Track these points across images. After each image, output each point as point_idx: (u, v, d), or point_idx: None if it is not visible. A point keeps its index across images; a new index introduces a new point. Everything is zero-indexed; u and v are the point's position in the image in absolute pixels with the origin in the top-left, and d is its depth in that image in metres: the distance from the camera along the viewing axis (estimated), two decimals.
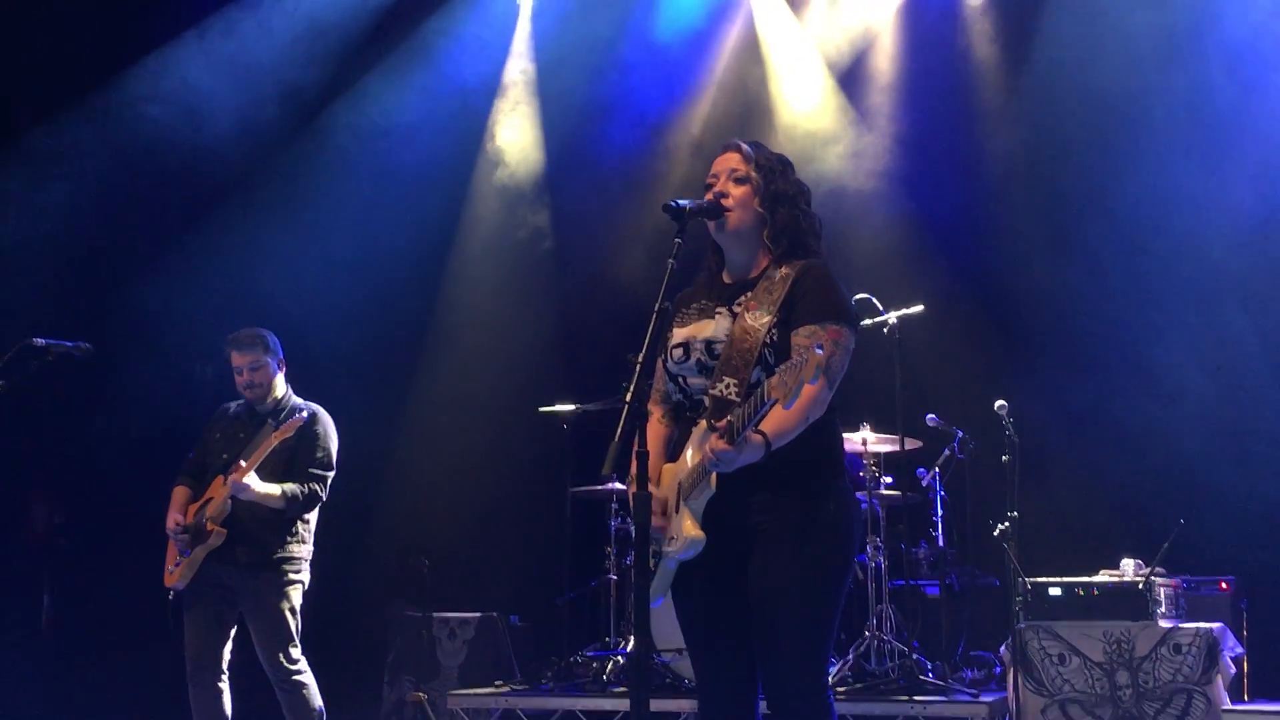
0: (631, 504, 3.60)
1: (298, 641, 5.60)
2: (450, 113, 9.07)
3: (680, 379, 3.77)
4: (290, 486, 5.56)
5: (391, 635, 8.07)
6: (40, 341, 5.40)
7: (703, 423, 3.62)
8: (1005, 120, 8.31)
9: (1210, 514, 6.88)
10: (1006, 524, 6.32)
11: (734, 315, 3.71)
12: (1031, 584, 6.32)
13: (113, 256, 8.48)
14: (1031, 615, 6.28)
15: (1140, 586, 6.13)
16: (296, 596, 5.63)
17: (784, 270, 3.71)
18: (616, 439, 3.38)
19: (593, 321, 8.38)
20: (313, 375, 7.40)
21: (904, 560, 7.25)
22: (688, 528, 3.60)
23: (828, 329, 3.58)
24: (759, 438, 3.44)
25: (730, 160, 3.83)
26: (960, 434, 7.28)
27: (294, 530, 5.65)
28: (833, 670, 6.56)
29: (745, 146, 3.86)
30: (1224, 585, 6.66)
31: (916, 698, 6.22)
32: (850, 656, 6.68)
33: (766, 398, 3.33)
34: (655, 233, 7.94)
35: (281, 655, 5.54)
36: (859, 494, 6.95)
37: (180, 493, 5.74)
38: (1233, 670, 6.00)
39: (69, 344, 5.47)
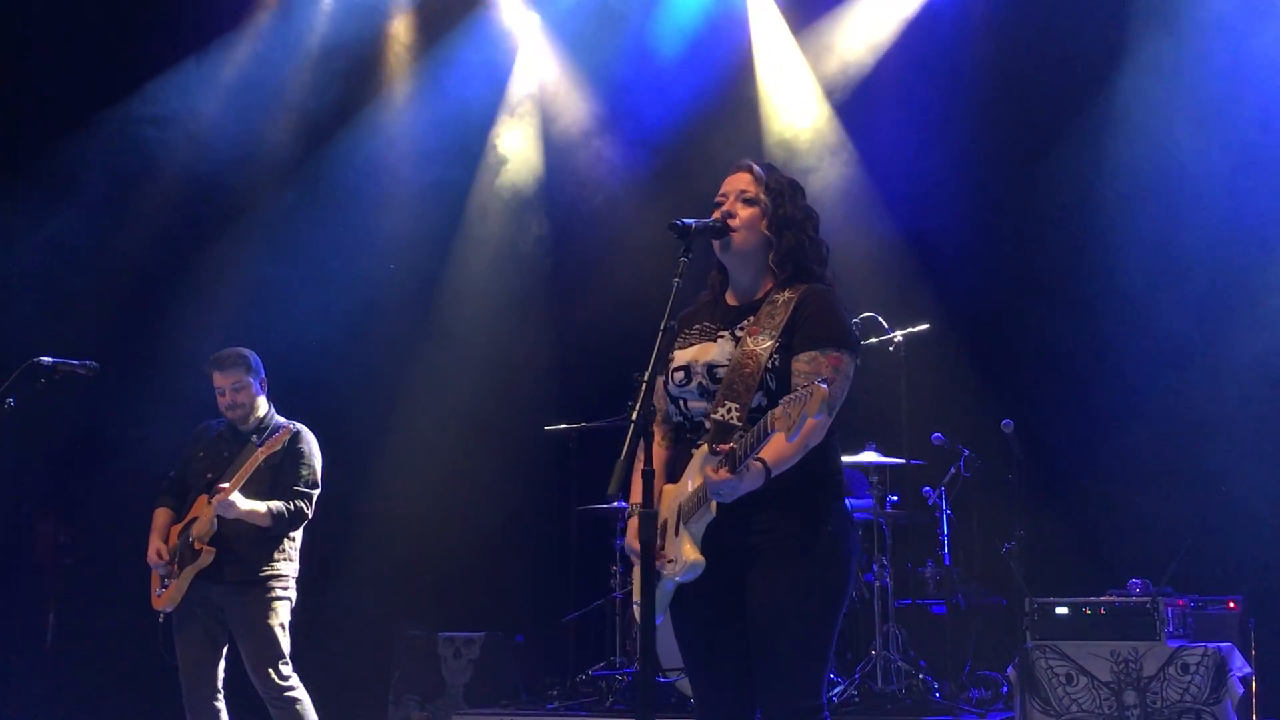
0: (635, 522, 3.60)
1: (288, 658, 5.57)
2: (452, 137, 9.10)
3: (681, 401, 3.75)
4: (276, 504, 5.52)
5: (396, 654, 8.06)
6: (47, 360, 5.42)
7: (704, 446, 3.61)
8: (1013, 136, 8.30)
9: (1218, 533, 6.86)
10: (1014, 543, 6.31)
11: (736, 339, 3.69)
12: (1038, 603, 6.30)
13: (119, 278, 8.50)
14: (1038, 635, 6.26)
15: (1148, 606, 6.12)
16: (285, 613, 5.59)
17: (787, 294, 3.68)
18: (623, 458, 3.38)
19: (598, 340, 8.38)
20: (317, 394, 7.43)
21: (910, 579, 7.23)
22: (687, 551, 3.58)
23: (829, 355, 3.56)
24: (759, 465, 3.43)
25: (740, 180, 3.80)
26: (966, 453, 7.26)
27: (281, 547, 5.62)
28: (839, 690, 6.54)
29: (757, 168, 3.80)
30: (1232, 605, 6.63)
31: (923, 718, 6.20)
32: (857, 676, 6.65)
33: (769, 428, 3.32)
34: (659, 251, 7.94)
35: (272, 672, 5.51)
36: (867, 512, 6.94)
37: (162, 514, 5.67)
38: (1241, 690, 5.98)
39: (75, 362, 5.49)
